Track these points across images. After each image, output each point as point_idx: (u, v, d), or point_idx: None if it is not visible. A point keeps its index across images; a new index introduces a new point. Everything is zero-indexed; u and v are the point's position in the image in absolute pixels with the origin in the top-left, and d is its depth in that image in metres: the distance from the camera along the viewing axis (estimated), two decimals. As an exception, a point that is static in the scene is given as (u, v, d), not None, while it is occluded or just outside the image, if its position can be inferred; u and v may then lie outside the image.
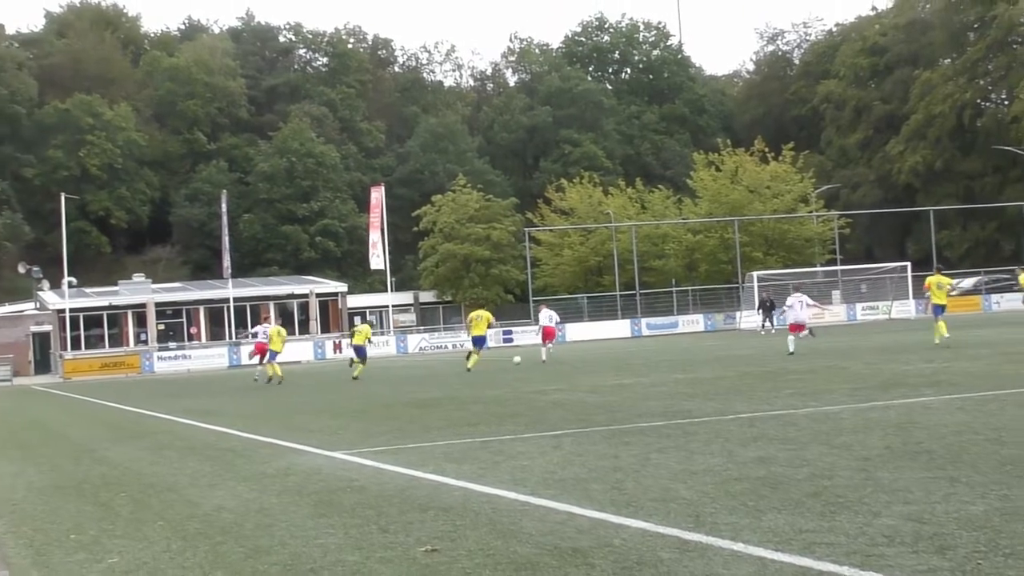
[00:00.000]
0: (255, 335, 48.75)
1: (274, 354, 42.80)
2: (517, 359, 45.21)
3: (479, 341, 42.49)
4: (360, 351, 42.17)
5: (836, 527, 8.67)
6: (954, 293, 41.59)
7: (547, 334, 46.10)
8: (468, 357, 42.03)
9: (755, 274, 74.48)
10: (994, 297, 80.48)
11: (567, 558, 8.31)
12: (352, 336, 44.88)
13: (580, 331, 76.66)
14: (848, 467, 11.64)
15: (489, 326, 44.37)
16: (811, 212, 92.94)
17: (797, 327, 38.54)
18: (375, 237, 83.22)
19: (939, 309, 36.97)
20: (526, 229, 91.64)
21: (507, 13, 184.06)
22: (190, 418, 26.16)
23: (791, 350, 36.26)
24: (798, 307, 38.79)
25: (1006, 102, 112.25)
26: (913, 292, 75.05)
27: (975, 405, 17.08)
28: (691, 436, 15.41)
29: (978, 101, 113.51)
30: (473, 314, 43.79)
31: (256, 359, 47.29)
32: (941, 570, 7.21)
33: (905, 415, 16.26)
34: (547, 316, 47.00)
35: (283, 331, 45.43)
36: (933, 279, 37.73)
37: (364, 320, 65.73)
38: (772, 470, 11.73)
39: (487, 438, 16.95)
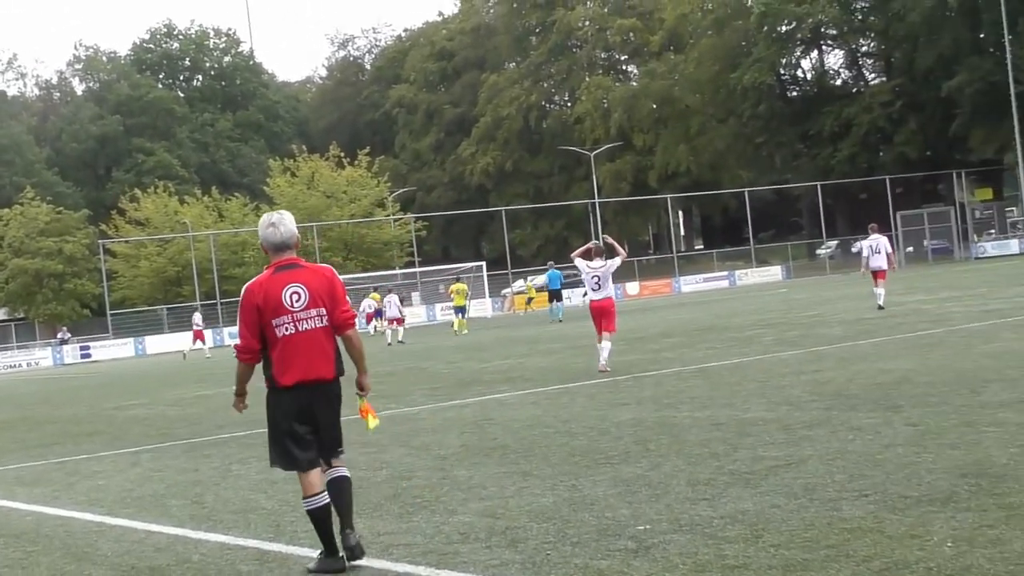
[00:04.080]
0: None
1: None
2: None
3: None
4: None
5: (413, 527, 8.83)
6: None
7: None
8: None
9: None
10: (565, 293, 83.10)
11: (144, 578, 8.15)
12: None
13: (161, 343, 75.09)
14: (426, 467, 11.86)
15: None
16: (388, 216, 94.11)
17: (396, 321, 48.33)
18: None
19: (460, 310, 51.89)
20: (100, 241, 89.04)
21: (71, 20, 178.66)
22: None
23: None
24: (391, 305, 49.03)
25: (569, 104, 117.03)
26: (489, 291, 77.13)
27: (547, 399, 17.66)
28: (272, 445, 15.34)
29: (543, 103, 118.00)
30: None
31: None
32: (513, 563, 7.41)
33: (481, 412, 16.66)
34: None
35: None
36: (455, 286, 53.12)
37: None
38: (351, 475, 11.79)
39: (63, 459, 16.44)
